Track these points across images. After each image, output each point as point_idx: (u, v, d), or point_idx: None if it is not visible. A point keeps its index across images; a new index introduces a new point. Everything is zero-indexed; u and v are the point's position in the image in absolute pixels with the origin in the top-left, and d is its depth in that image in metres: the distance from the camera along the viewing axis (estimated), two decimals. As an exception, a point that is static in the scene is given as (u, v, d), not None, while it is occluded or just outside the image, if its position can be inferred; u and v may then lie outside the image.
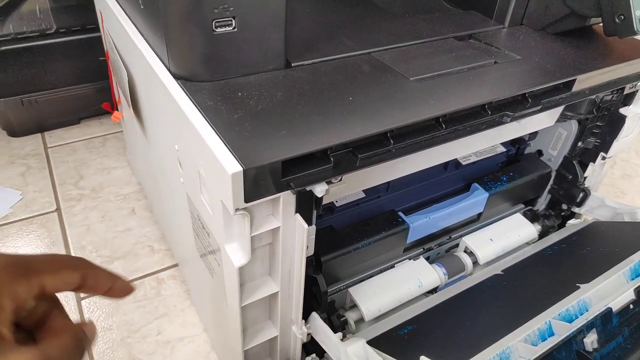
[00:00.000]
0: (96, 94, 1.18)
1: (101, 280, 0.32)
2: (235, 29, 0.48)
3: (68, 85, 1.16)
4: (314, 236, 0.51)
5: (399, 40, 0.61)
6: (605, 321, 0.44)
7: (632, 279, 0.51)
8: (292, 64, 0.54)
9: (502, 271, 0.61)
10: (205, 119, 0.44)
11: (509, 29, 0.69)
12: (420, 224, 0.63)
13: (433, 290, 0.65)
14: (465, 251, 0.69)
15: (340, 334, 0.51)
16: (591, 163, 0.72)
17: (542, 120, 0.66)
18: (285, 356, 0.59)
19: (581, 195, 0.72)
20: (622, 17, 0.58)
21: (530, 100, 0.55)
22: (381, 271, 0.64)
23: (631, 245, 0.56)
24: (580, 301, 0.47)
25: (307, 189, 0.44)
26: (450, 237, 0.71)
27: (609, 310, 0.44)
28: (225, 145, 0.41)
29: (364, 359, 0.47)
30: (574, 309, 0.47)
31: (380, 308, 0.59)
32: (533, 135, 0.75)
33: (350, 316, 0.60)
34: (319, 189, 0.43)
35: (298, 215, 0.45)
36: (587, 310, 0.47)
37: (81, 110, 1.21)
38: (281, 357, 0.59)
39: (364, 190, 0.63)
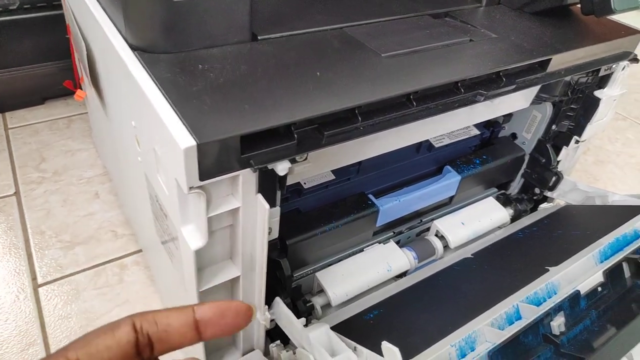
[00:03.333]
0: (62, 73, 1.13)
1: (163, 319, 0.23)
2: (195, -3, 0.45)
3: (31, 64, 1.11)
4: (278, 218, 0.49)
5: (373, 16, 0.59)
6: (572, 304, 0.43)
7: (602, 262, 0.50)
8: (259, 37, 0.51)
9: (472, 255, 0.60)
10: (161, 91, 0.41)
11: (487, 7, 0.67)
12: (390, 206, 0.61)
13: (403, 274, 0.64)
14: (436, 235, 0.68)
15: (303, 320, 0.49)
16: (565, 147, 0.72)
17: (516, 102, 0.65)
18: (249, 343, 0.57)
19: (554, 179, 0.72)
20: (599, -5, 0.57)
21: (504, 79, 0.54)
22: (350, 255, 0.63)
23: (601, 228, 0.56)
24: (548, 284, 0.46)
25: (269, 167, 0.41)
26: (421, 220, 0.69)
27: (577, 293, 0.43)
28: (180, 118, 0.38)
29: (327, 345, 0.45)
30: (542, 292, 0.46)
31: (348, 293, 0.58)
32: (507, 118, 0.73)
33: (317, 301, 0.58)
34: (281, 167, 0.41)
35: (259, 195, 0.43)
36: (555, 294, 0.46)
37: (45, 89, 1.16)
38: (244, 345, 0.57)
39: (333, 172, 0.61)
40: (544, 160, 0.71)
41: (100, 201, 0.89)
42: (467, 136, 0.71)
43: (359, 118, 0.44)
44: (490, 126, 0.74)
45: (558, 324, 0.41)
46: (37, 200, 0.89)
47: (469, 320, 0.43)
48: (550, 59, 0.56)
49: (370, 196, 0.61)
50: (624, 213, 0.59)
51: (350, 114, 0.44)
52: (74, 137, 1.05)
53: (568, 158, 0.74)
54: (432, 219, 0.69)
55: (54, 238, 0.82)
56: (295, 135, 0.41)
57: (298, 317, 0.56)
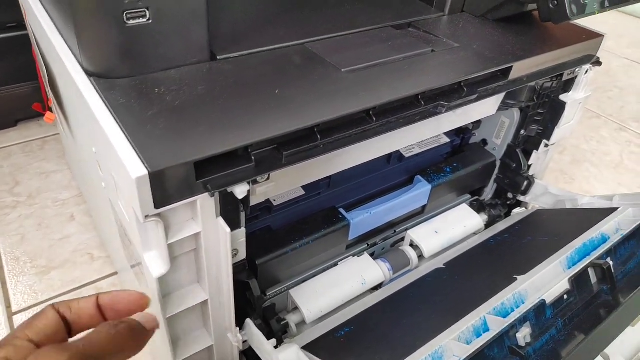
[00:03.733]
0: (34, 94, 1.11)
1: (75, 305, 0.29)
2: (151, 21, 0.45)
3: (2, 85, 1.09)
4: (244, 239, 0.49)
5: (335, 30, 0.59)
6: (538, 314, 0.43)
7: (569, 268, 0.50)
8: (218, 57, 0.51)
9: (444, 265, 0.60)
10: (114, 118, 0.41)
11: (450, 16, 0.68)
12: (361, 220, 0.61)
13: (378, 287, 0.63)
14: (410, 245, 0.68)
15: (274, 341, 0.48)
16: (535, 151, 0.72)
17: (483, 109, 0.65)
18: (225, 364, 0.57)
19: (525, 183, 0.72)
20: (556, 2, 0.58)
21: (466, 89, 0.54)
22: (324, 270, 0.62)
23: (570, 232, 0.56)
24: (516, 294, 0.46)
25: (228, 190, 0.41)
26: (395, 231, 0.69)
27: (542, 302, 0.43)
28: (132, 146, 0.38)
29: (298, 366, 0.45)
30: (509, 303, 0.46)
31: (322, 309, 0.57)
32: (477, 124, 0.74)
33: (292, 319, 0.57)
34: (240, 190, 0.41)
35: (220, 219, 0.42)
36: (523, 303, 0.46)
37: (17, 111, 1.14)
38: (221, 366, 0.56)
39: (304, 188, 0.61)
40: (514, 165, 0.72)
41: (76, 223, 0.88)
42: (437, 144, 0.72)
43: (319, 136, 0.44)
44: (460, 133, 0.74)
45: (524, 335, 0.41)
46: (11, 226, 0.88)
47: (437, 334, 0.43)
48: (511, 67, 0.56)
49: (341, 210, 0.61)
50: (593, 216, 0.59)
51: (309, 132, 0.44)
52: (49, 159, 1.04)
53: (539, 162, 0.75)
54: (406, 229, 0.69)
55: (29, 264, 0.81)
56: (253, 157, 0.41)
57: (272, 336, 0.56)
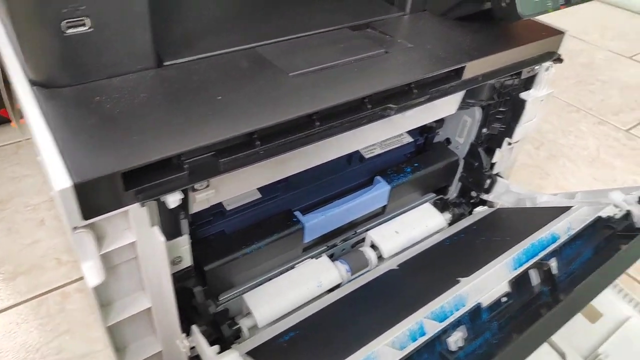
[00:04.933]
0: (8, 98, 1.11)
1: None
2: (92, 29, 0.44)
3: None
4: (187, 247, 0.49)
5: (289, 32, 0.59)
6: (473, 317, 0.43)
7: (515, 269, 0.50)
8: (165, 63, 0.51)
9: (397, 266, 0.60)
10: (48, 128, 0.41)
11: (411, 15, 0.67)
12: (316, 222, 0.61)
13: (338, 288, 0.64)
14: (371, 245, 0.68)
15: (216, 347, 0.48)
16: (498, 149, 0.72)
17: (442, 109, 0.65)
18: (179, 369, 0.57)
19: (488, 181, 0.72)
20: (508, 0, 0.57)
21: (416, 90, 0.54)
22: (281, 273, 0.62)
23: (523, 232, 0.56)
24: (456, 297, 0.46)
25: (162, 199, 0.41)
26: (355, 231, 0.69)
27: (478, 305, 0.44)
28: (61, 157, 0.38)
29: (237, 372, 0.45)
30: (449, 306, 0.46)
31: (275, 313, 0.58)
32: (440, 123, 0.73)
33: (245, 323, 0.58)
34: (172, 200, 0.41)
35: (155, 228, 0.42)
36: (463, 306, 0.46)
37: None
38: (175, 371, 0.56)
39: (260, 191, 0.61)
40: (477, 164, 0.72)
41: (46, 228, 0.88)
42: (399, 144, 0.71)
43: (258, 142, 0.44)
44: (424, 132, 0.74)
45: (455, 339, 0.41)
46: (-18, 230, 0.88)
47: (374, 338, 0.43)
48: (464, 67, 0.56)
49: (297, 213, 0.61)
50: (548, 215, 0.59)
51: (247, 139, 0.44)
52: (22, 163, 1.03)
53: (504, 159, 0.75)
54: (367, 230, 0.69)
55: (-3, 269, 0.81)
56: (186, 166, 0.41)
57: (224, 341, 0.56)
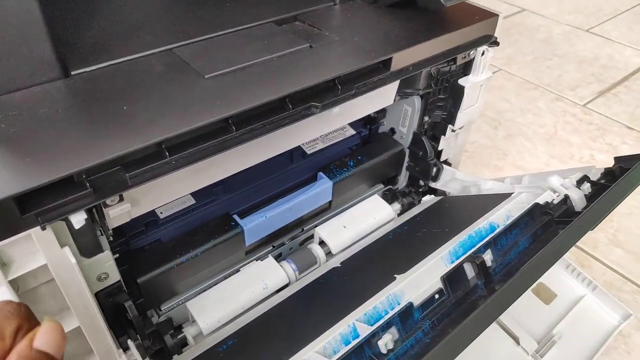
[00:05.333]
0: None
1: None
2: (-21, 43, 0.42)
3: None
4: (112, 262, 0.47)
5: (211, 30, 0.56)
6: (404, 317, 0.42)
7: (452, 263, 0.50)
8: (72, 73, 0.48)
9: (340, 264, 0.59)
10: None
11: (342, 5, 0.65)
12: (256, 224, 0.59)
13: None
14: (319, 242, 0.67)
15: (149, 361, 0.47)
16: (442, 136, 0.71)
17: (377, 101, 0.63)
18: (125, 384, 0.55)
19: (435, 170, 0.71)
20: (433, -13, 0.56)
21: (340, 86, 0.52)
22: (226, 278, 0.61)
23: (463, 222, 0.55)
24: (390, 295, 0.45)
25: (69, 218, 0.39)
26: (303, 229, 0.68)
27: (409, 304, 0.43)
28: (-52, 184, 0.35)
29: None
30: (382, 306, 0.45)
31: (220, 319, 0.56)
32: (382, 113, 0.72)
33: (189, 332, 0.56)
34: (77, 220, 0.39)
35: (66, 249, 0.40)
36: (398, 305, 0.45)
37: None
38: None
39: (194, 196, 0.59)
40: (421, 153, 0.71)
41: None
42: (342, 137, 0.70)
43: (167, 153, 0.42)
44: (367, 124, 0.73)
45: (385, 341, 0.40)
46: None
47: (304, 345, 0.42)
48: (390, 58, 0.55)
49: (235, 216, 0.60)
50: (491, 203, 0.59)
51: (156, 149, 0.42)
52: None
53: (450, 146, 0.74)
54: (315, 226, 0.68)
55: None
56: (88, 184, 0.39)
57: (168, 352, 0.55)
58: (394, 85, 0.62)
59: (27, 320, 0.26)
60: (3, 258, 0.40)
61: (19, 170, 0.37)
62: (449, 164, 0.75)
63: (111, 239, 0.47)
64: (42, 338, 0.25)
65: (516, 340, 0.65)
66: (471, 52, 0.64)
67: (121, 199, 0.44)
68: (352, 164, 0.67)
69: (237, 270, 0.62)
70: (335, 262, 0.61)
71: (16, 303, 0.27)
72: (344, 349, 0.41)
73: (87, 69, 0.49)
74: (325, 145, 0.68)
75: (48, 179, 0.36)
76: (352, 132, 0.71)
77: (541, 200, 0.55)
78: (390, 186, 0.76)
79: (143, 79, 0.48)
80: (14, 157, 0.38)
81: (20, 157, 0.38)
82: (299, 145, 0.67)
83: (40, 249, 0.39)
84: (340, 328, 0.43)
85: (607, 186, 0.53)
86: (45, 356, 0.25)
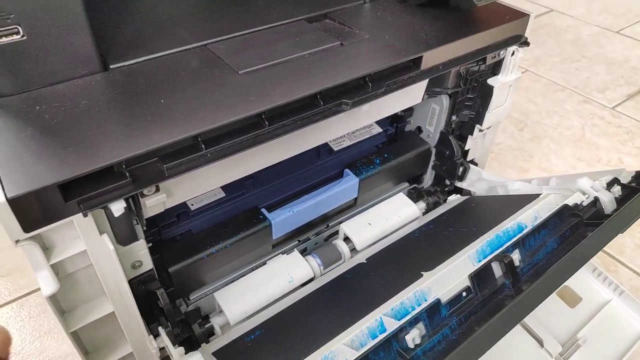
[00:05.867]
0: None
1: None
2: (25, 37, 0.43)
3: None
4: (145, 251, 0.48)
5: (244, 27, 0.57)
6: (432, 313, 0.42)
7: (479, 261, 0.50)
8: (111, 66, 0.50)
9: (366, 260, 0.60)
10: (-15, 140, 0.40)
11: (371, 3, 0.66)
12: (284, 219, 0.60)
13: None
14: (344, 238, 0.67)
15: (181, 349, 0.48)
16: (470, 136, 0.71)
17: (406, 99, 0.63)
18: (152, 370, 0.57)
19: (461, 169, 0.71)
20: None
21: (371, 84, 0.53)
22: (253, 270, 0.62)
23: (490, 222, 0.55)
24: (417, 292, 0.46)
25: (109, 207, 0.41)
26: (328, 225, 0.69)
27: (437, 301, 0.43)
28: (-4, 170, 0.37)
29: (198, 375, 0.45)
30: (409, 302, 0.45)
31: (247, 310, 0.57)
32: (409, 112, 0.72)
33: (217, 322, 0.58)
34: (116, 208, 0.40)
35: (104, 236, 0.42)
36: (425, 301, 0.46)
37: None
38: (147, 372, 0.57)
39: (224, 189, 0.61)
40: (448, 152, 0.71)
41: (25, 230, 0.88)
42: (368, 135, 0.71)
43: (203, 146, 0.43)
44: (394, 122, 0.73)
45: (413, 336, 0.41)
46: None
47: (331, 338, 0.43)
48: (421, 57, 0.55)
49: (263, 210, 0.61)
50: (519, 203, 0.59)
51: (192, 142, 0.43)
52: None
53: (477, 146, 0.74)
54: (340, 222, 0.68)
55: (-23, 273, 0.82)
56: (128, 173, 0.40)
57: (196, 340, 0.56)
58: (423, 84, 0.62)
59: None
60: (46, 243, 0.41)
61: (62, 160, 0.38)
62: (475, 164, 0.74)
63: (145, 228, 0.49)
64: None
65: (540, 342, 0.64)
66: (501, 52, 0.64)
67: (157, 190, 0.45)
68: (378, 161, 0.68)
69: (264, 263, 0.63)
70: (360, 259, 0.62)
71: None
72: (371, 342, 0.41)
73: (126, 63, 0.50)
74: (352, 142, 0.69)
75: (90, 168, 0.38)
76: (378, 130, 0.71)
77: (570, 202, 0.54)
78: (415, 185, 0.76)
79: (179, 74, 0.49)
80: (58, 146, 0.39)
81: (63, 147, 0.39)
82: (326, 142, 0.68)
83: (80, 235, 0.41)
84: (367, 322, 0.43)
85: (638, 189, 0.53)
86: None
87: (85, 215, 0.39)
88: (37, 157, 0.38)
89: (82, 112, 0.43)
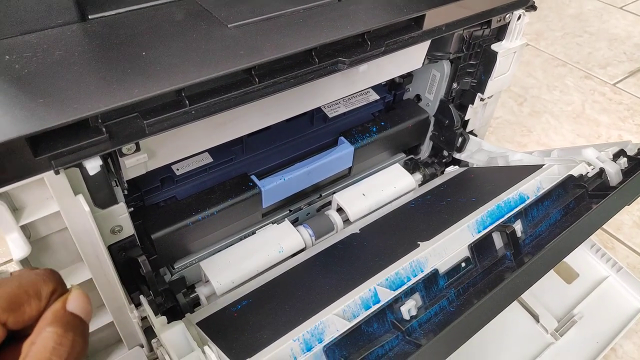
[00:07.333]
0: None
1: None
2: (-3, -19, 0.40)
3: None
4: (126, 215, 0.45)
5: (235, -21, 0.53)
6: (428, 284, 0.40)
7: (479, 232, 0.47)
8: (90, 17, 0.46)
9: (359, 230, 0.57)
10: (-52, 91, 0.37)
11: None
12: (274, 186, 0.57)
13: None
14: (337, 209, 0.65)
15: (164, 318, 0.46)
16: (470, 105, 0.68)
17: (405, 63, 0.60)
18: (135, 340, 0.55)
19: (460, 140, 0.68)
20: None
21: (370, 42, 0.49)
22: (241, 239, 0.60)
23: (490, 193, 0.53)
24: (413, 262, 0.43)
25: (84, 164, 0.38)
26: (320, 195, 0.66)
27: (435, 271, 0.41)
28: (-43, 122, 0.34)
29: (180, 344, 0.42)
30: (405, 272, 0.43)
31: (234, 280, 0.55)
32: (408, 78, 0.69)
33: (202, 292, 0.55)
34: (91, 166, 0.37)
35: (80, 197, 0.39)
36: (422, 272, 0.43)
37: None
38: (129, 342, 0.54)
39: (212, 154, 0.57)
40: (447, 122, 0.68)
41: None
42: (365, 102, 0.67)
43: (187, 102, 0.40)
44: (392, 89, 0.70)
45: (408, 308, 0.38)
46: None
47: (322, 308, 0.40)
48: (424, 15, 0.51)
49: (253, 177, 0.58)
50: (520, 174, 0.56)
51: (175, 97, 0.40)
52: None
53: (477, 116, 0.71)
54: (333, 192, 0.66)
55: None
56: (104, 129, 0.37)
57: (180, 311, 0.54)
58: (424, 46, 0.59)
59: (61, 285, 0.28)
60: (15, 202, 0.38)
61: (32, 111, 0.35)
62: (475, 135, 0.72)
63: (126, 192, 0.46)
64: (74, 302, 0.27)
65: (536, 317, 0.63)
66: (507, 16, 0.60)
67: (138, 149, 0.42)
68: (374, 129, 0.65)
69: (253, 233, 0.60)
70: (353, 229, 0.59)
71: (50, 269, 0.28)
72: (365, 313, 0.39)
73: (106, 14, 0.46)
74: (348, 109, 0.66)
75: (62, 121, 0.34)
76: (375, 97, 0.68)
77: (575, 172, 0.52)
78: (412, 156, 0.73)
79: (163, 26, 0.45)
80: (27, 98, 0.36)
81: (33, 99, 0.36)
82: (321, 108, 0.65)
83: (53, 195, 0.38)
84: (360, 292, 0.41)
85: (646, 161, 0.50)
86: (76, 318, 0.27)
87: (57, 173, 0.36)
88: (3, 109, 0.35)
89: (56, 63, 0.40)
